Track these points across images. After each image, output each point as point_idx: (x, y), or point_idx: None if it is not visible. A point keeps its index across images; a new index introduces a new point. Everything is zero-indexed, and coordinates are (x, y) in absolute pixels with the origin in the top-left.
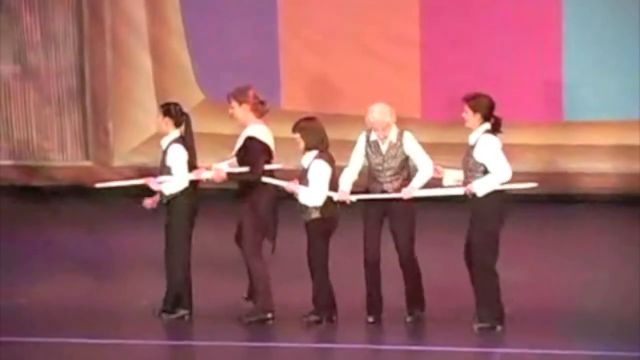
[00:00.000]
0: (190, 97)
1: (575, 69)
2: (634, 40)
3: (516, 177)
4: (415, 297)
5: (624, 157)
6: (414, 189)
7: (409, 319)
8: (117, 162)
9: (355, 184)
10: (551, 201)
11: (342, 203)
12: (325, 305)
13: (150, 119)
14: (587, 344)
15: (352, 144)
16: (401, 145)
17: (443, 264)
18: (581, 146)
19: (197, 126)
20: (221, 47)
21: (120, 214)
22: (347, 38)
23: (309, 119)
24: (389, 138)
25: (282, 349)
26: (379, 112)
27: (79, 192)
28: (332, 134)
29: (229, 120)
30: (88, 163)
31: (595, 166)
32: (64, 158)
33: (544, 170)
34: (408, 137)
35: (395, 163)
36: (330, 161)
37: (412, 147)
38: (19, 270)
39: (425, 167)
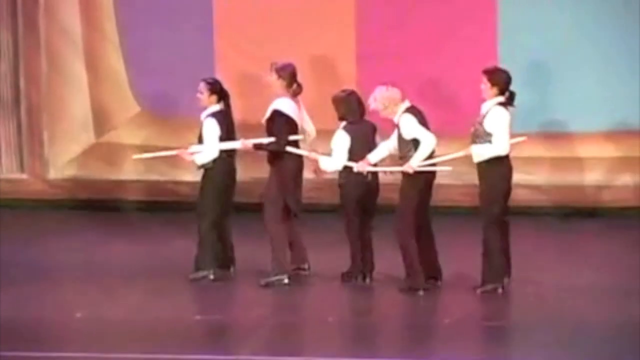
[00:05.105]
0: (126, 109)
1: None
2: (572, 47)
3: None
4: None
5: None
6: (411, 165)
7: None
8: (52, 174)
9: None
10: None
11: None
12: (355, 266)
13: (85, 131)
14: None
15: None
16: (399, 127)
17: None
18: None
19: (132, 138)
20: (157, 58)
21: (54, 226)
22: (283, 48)
23: (345, 91)
24: (396, 120)
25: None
26: (376, 98)
27: (13, 205)
28: None
29: (164, 132)
30: (23, 176)
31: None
32: None
33: None
34: (402, 120)
35: (400, 145)
36: (356, 131)
37: (406, 130)
38: None
39: (423, 142)
